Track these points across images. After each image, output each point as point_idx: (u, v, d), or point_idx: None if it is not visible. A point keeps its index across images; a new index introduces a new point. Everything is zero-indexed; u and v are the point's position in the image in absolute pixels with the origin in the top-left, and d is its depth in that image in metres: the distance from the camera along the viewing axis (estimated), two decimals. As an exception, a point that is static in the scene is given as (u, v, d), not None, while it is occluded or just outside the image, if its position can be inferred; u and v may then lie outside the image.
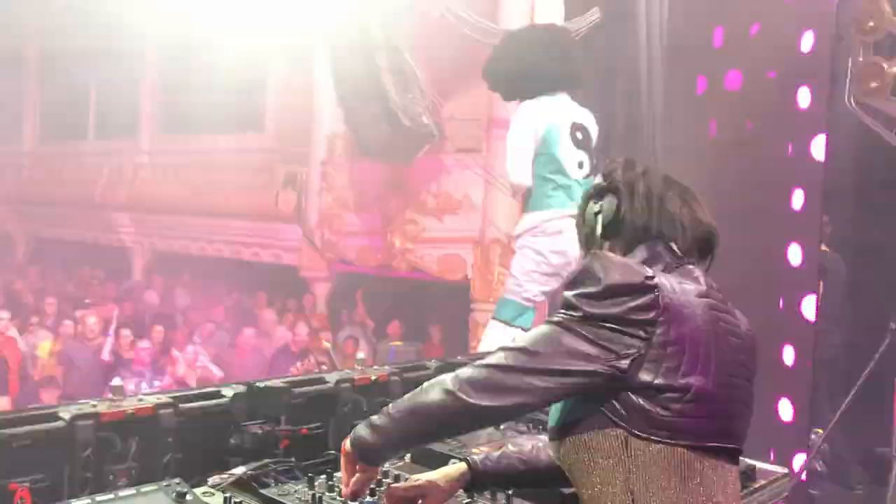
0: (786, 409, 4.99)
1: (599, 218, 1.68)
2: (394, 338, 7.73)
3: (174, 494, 1.67)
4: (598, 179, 1.72)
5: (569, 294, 1.52)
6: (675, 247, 1.64)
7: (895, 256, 4.85)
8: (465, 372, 1.52)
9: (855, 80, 4.28)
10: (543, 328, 1.52)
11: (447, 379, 1.53)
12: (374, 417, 1.62)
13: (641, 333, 1.46)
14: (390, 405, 1.62)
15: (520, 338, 1.54)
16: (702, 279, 1.61)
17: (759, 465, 2.63)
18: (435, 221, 8.26)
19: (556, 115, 4.85)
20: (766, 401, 4.93)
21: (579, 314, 1.49)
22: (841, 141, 4.65)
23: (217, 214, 10.43)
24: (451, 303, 7.91)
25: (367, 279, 8.74)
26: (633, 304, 1.47)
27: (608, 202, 1.67)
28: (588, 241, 1.72)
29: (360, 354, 2.49)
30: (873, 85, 4.25)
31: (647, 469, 1.47)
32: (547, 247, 4.77)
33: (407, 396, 1.61)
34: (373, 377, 2.46)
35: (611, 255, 1.57)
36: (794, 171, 4.65)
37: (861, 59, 4.23)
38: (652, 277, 1.50)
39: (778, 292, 4.71)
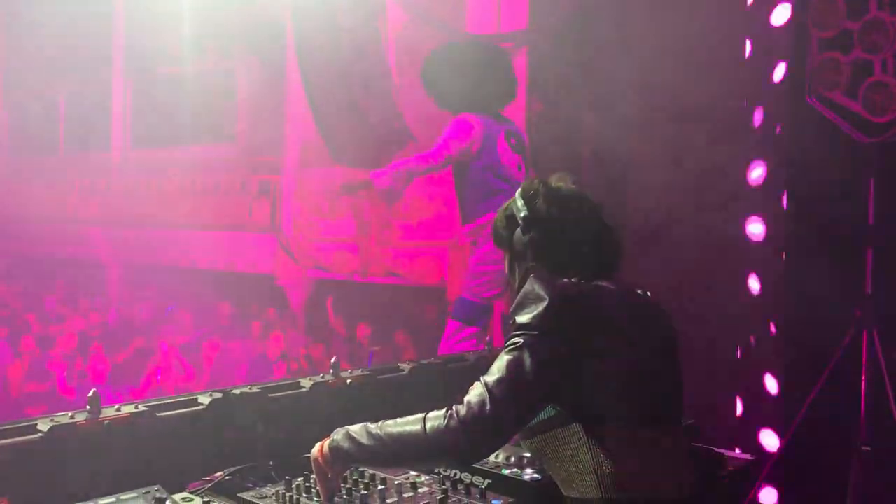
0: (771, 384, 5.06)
1: (529, 249, 1.81)
2: (371, 343, 7.77)
3: (153, 501, 1.70)
4: (521, 203, 1.82)
5: (521, 318, 1.66)
6: (590, 267, 1.79)
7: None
8: (458, 412, 1.62)
9: (813, 75, 4.40)
10: (510, 356, 1.64)
11: (441, 419, 1.63)
12: (359, 433, 1.75)
13: (584, 337, 1.64)
14: (378, 426, 1.74)
15: (493, 372, 1.65)
16: (612, 281, 1.79)
17: (727, 452, 2.71)
18: (409, 225, 8.30)
19: (492, 125, 5.05)
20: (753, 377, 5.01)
21: (534, 333, 1.63)
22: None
23: (190, 226, 10.40)
24: (427, 305, 7.95)
25: (343, 285, 8.76)
26: (575, 314, 1.65)
27: (535, 237, 1.79)
28: (517, 261, 1.85)
29: (334, 359, 2.52)
30: (831, 79, 4.37)
31: (604, 448, 1.64)
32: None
33: (397, 423, 1.71)
34: (348, 381, 2.51)
35: (544, 275, 1.71)
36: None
37: (818, 54, 4.34)
38: (584, 289, 1.70)
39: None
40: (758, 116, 4.91)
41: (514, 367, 1.62)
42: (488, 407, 1.59)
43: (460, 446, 1.61)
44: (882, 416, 4.34)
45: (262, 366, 7.21)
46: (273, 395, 2.30)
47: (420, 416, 1.68)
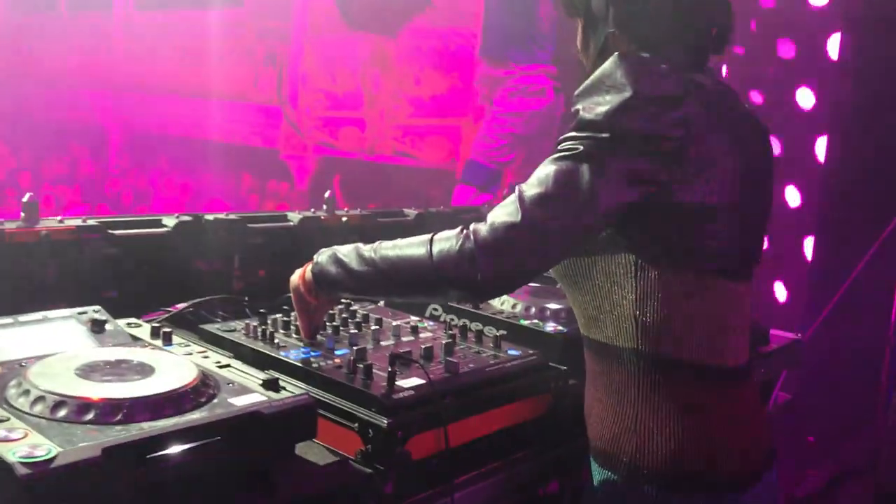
0: (780, 292, 4.78)
1: (611, 7, 1.34)
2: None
3: (90, 323, 1.37)
4: None
5: (588, 108, 1.21)
6: (689, 40, 1.34)
7: None
8: (477, 233, 1.21)
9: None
10: (561, 165, 1.20)
11: (454, 240, 1.23)
12: (348, 256, 1.37)
13: (672, 153, 1.20)
14: (373, 248, 1.35)
15: (533, 183, 1.22)
16: (714, 75, 1.36)
17: (773, 331, 2.39)
18: (421, 99, 7.84)
19: None
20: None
21: (603, 135, 1.19)
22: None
23: (193, 94, 9.96)
24: (436, 187, 7.58)
25: (349, 163, 8.38)
26: (665, 118, 1.20)
27: None
28: (591, 31, 1.38)
29: (328, 193, 2.16)
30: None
31: (656, 293, 1.26)
32: (526, 107, 4.42)
33: (397, 245, 1.33)
34: (343, 219, 2.16)
35: (635, 57, 1.25)
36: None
37: None
38: (685, 85, 1.23)
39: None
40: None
41: (564, 180, 1.19)
42: (518, 229, 1.19)
43: (473, 275, 1.20)
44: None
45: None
46: (254, 225, 1.95)
47: (426, 237, 1.29)
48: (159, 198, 8.43)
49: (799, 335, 2.49)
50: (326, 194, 2.16)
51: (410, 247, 1.30)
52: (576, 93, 1.25)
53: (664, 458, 1.28)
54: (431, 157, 7.79)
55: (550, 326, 1.70)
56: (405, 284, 1.33)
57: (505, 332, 1.68)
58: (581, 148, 1.19)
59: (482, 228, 1.22)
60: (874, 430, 2.76)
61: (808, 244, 4.57)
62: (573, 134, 1.22)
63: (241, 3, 9.69)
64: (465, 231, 1.24)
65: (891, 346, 3.69)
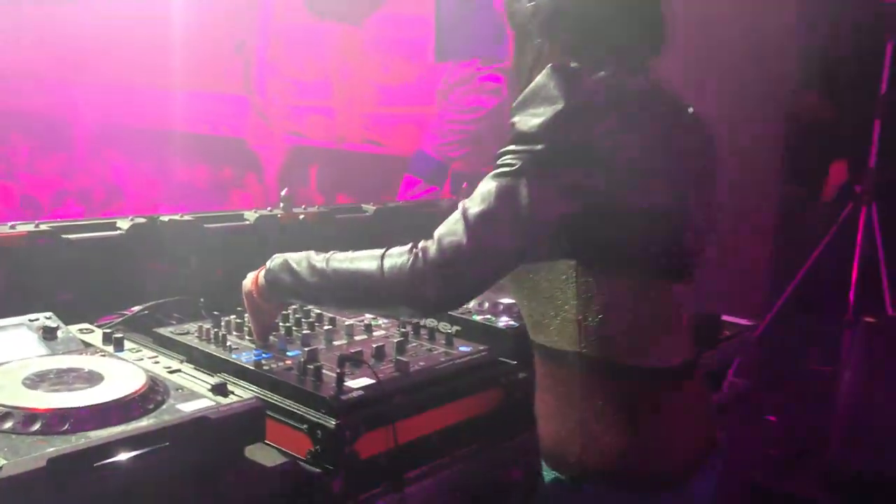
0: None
1: (539, 22, 1.36)
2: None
3: (41, 330, 1.38)
4: None
5: (524, 120, 1.23)
6: (620, 46, 1.35)
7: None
8: (427, 251, 1.24)
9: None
10: (501, 182, 1.22)
11: (405, 257, 1.26)
12: (300, 265, 1.39)
13: (606, 161, 1.23)
14: (325, 259, 1.37)
15: (476, 200, 1.24)
16: (648, 77, 1.38)
17: (726, 317, 2.44)
18: (390, 88, 7.83)
19: None
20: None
21: (539, 147, 1.21)
22: None
23: (158, 85, 9.84)
24: (403, 175, 7.59)
25: (318, 152, 8.36)
26: (598, 128, 1.22)
27: (545, 3, 1.35)
28: (526, 43, 1.40)
29: (285, 191, 2.17)
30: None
31: (597, 297, 1.30)
32: (480, 104, 4.46)
33: (350, 258, 1.34)
34: (301, 216, 2.17)
35: (568, 68, 1.27)
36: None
37: None
38: (615, 95, 1.26)
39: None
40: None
41: (505, 197, 1.21)
42: (465, 248, 1.21)
43: (424, 294, 1.23)
44: (874, 290, 4.16)
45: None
46: (210, 225, 1.96)
47: (378, 252, 1.31)
48: (128, 192, 8.35)
49: (751, 322, 2.55)
50: (283, 192, 2.17)
51: (362, 260, 1.31)
52: (512, 105, 1.27)
53: (609, 458, 1.31)
54: (400, 145, 7.80)
55: (503, 322, 1.73)
56: (355, 299, 1.35)
57: (459, 328, 1.71)
58: (519, 163, 1.21)
59: (431, 248, 1.24)
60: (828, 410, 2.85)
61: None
62: (511, 147, 1.24)
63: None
64: (414, 250, 1.26)
65: (850, 329, 3.78)
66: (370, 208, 2.42)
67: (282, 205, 2.17)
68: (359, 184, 7.87)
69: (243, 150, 9.03)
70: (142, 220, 1.85)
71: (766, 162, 4.82)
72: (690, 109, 1.45)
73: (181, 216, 1.93)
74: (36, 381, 1.16)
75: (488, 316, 1.77)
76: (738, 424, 3.68)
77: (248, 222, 2.05)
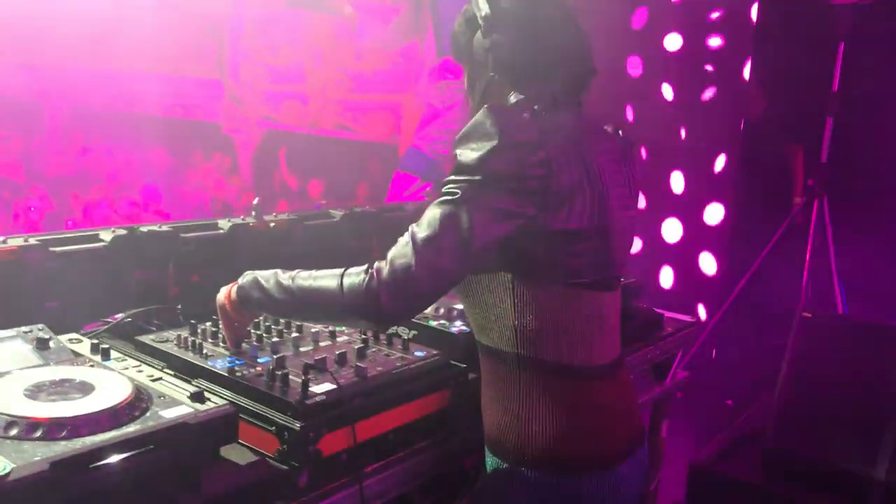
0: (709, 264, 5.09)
1: (490, 56, 1.55)
2: (316, 197, 7.58)
3: (35, 341, 1.54)
4: (483, 2, 1.55)
5: (464, 153, 1.42)
6: (556, 83, 1.55)
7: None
8: (380, 272, 1.40)
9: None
10: (444, 209, 1.40)
11: (362, 276, 1.42)
12: (269, 283, 1.56)
13: (537, 189, 1.41)
14: (291, 277, 1.54)
15: (423, 226, 1.41)
16: (577, 109, 1.59)
17: (666, 313, 2.64)
18: (363, 75, 7.94)
19: None
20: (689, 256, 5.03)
21: (476, 178, 1.40)
22: None
23: (129, 66, 9.83)
24: (377, 163, 7.73)
25: (291, 137, 8.46)
26: (528, 161, 1.41)
27: (498, 39, 1.54)
28: (476, 75, 1.60)
29: (256, 200, 2.32)
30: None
31: (531, 306, 1.49)
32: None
33: (313, 276, 1.51)
34: (271, 224, 2.33)
35: (502, 108, 1.46)
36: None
37: None
38: (544, 130, 1.45)
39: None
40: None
41: (447, 222, 1.39)
42: (413, 269, 1.38)
43: (378, 310, 1.41)
44: (824, 283, 4.38)
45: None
46: (186, 234, 2.11)
47: (338, 271, 1.48)
48: (100, 176, 8.39)
49: (693, 319, 2.74)
50: (255, 201, 2.33)
51: (324, 279, 1.48)
52: (455, 138, 1.45)
53: (542, 445, 1.51)
54: (373, 131, 7.93)
55: (456, 327, 1.91)
56: (317, 313, 1.54)
57: (416, 333, 1.89)
58: (460, 192, 1.40)
59: (384, 268, 1.41)
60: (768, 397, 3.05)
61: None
62: (453, 177, 1.42)
63: (180, -27, 9.60)
64: (370, 270, 1.42)
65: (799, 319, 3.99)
66: (337, 214, 2.58)
67: (253, 213, 2.32)
68: (332, 168, 7.99)
69: (218, 133, 9.10)
70: (123, 231, 2.00)
71: (722, 160, 5.01)
72: (611, 129, 1.65)
73: (160, 226, 2.08)
74: (35, 391, 1.31)
75: (443, 321, 1.95)
76: (685, 411, 3.91)
77: (221, 231, 2.21)
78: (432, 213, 1.41)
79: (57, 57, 10.64)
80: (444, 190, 1.43)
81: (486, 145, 1.39)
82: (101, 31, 10.18)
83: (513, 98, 1.54)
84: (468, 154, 1.41)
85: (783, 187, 4.81)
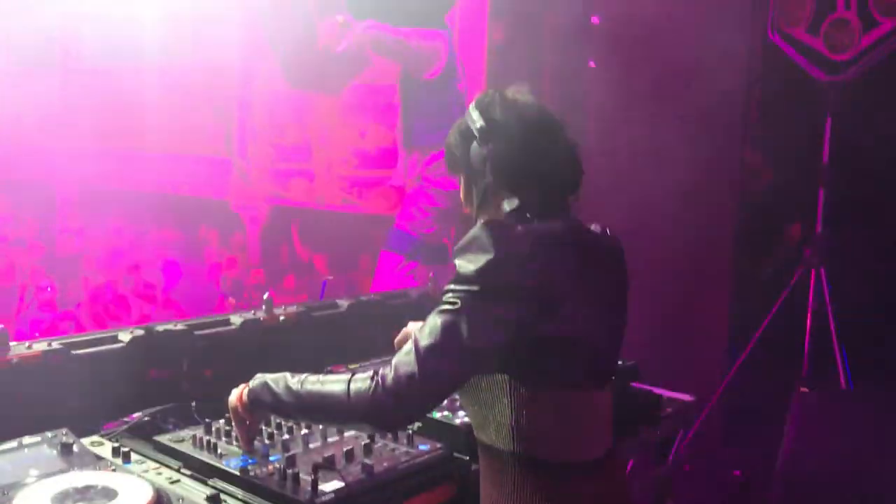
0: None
1: (488, 164, 1.65)
2: (324, 272, 7.69)
3: (59, 446, 1.62)
4: (476, 115, 1.67)
5: (463, 265, 1.52)
6: (549, 186, 1.65)
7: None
8: (385, 379, 1.50)
9: (777, 9, 4.34)
10: (446, 318, 1.50)
11: (368, 383, 1.51)
12: (278, 386, 1.64)
13: (530, 297, 1.51)
14: (300, 381, 1.63)
15: (425, 334, 1.51)
16: (567, 217, 1.67)
17: (665, 393, 2.70)
18: (367, 152, 8.14)
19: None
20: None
21: (475, 288, 1.50)
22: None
23: (140, 147, 10.10)
24: (381, 235, 7.86)
25: (300, 212, 8.63)
26: (522, 272, 1.51)
27: (494, 149, 1.64)
28: (474, 183, 1.69)
29: (266, 295, 2.43)
30: (795, 14, 4.31)
31: (526, 406, 1.56)
32: (450, 185, 4.78)
33: (321, 381, 1.60)
34: (281, 318, 2.43)
35: (497, 222, 1.57)
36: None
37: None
38: (536, 242, 1.54)
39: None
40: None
41: (448, 332, 1.48)
42: (417, 377, 1.48)
43: (384, 416, 1.51)
44: (825, 354, 4.42)
45: (213, 296, 7.11)
46: (200, 332, 2.22)
47: (345, 377, 1.57)
48: (110, 256, 8.56)
49: (692, 398, 2.81)
50: (265, 296, 2.43)
51: (332, 384, 1.57)
52: (455, 248, 1.56)
53: None
54: (377, 206, 8.09)
55: (459, 419, 1.99)
56: (325, 417, 1.64)
57: (420, 425, 1.97)
58: (459, 303, 1.50)
59: (389, 375, 1.50)
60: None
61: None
62: (453, 287, 1.52)
63: (189, 57, 9.92)
64: (375, 377, 1.52)
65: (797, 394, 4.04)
66: (344, 304, 2.68)
67: (263, 308, 2.42)
68: (337, 242, 8.13)
69: (227, 210, 9.29)
70: (140, 331, 2.10)
71: (718, 230, 5.12)
72: (599, 229, 1.74)
73: (175, 325, 2.19)
74: (61, 499, 1.40)
75: (446, 413, 2.03)
76: (691, 485, 3.93)
77: (233, 327, 2.31)
78: (434, 322, 1.51)
79: (67, 137, 10.93)
80: (444, 299, 1.53)
81: (483, 258, 1.50)
82: (112, 114, 10.48)
83: (507, 206, 1.64)
84: (467, 266, 1.51)
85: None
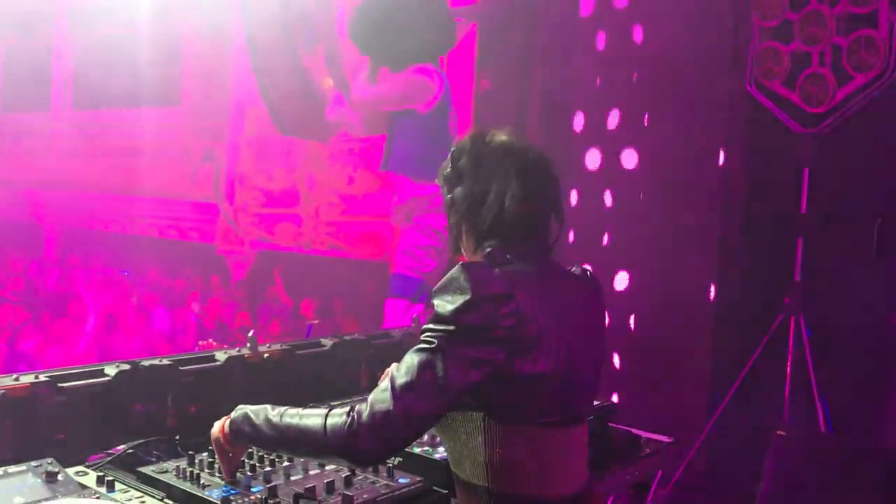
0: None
1: (453, 210, 1.72)
2: (310, 316, 7.70)
3: (44, 475, 1.65)
4: (448, 160, 1.74)
5: (441, 305, 1.56)
6: (520, 231, 1.68)
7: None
8: (361, 415, 1.53)
9: (755, 64, 4.48)
10: (422, 357, 1.54)
11: (344, 418, 1.55)
12: (258, 419, 1.68)
13: (505, 338, 1.54)
14: (279, 414, 1.66)
15: (402, 372, 1.55)
16: (546, 259, 1.71)
17: (644, 434, 2.74)
18: (355, 197, 8.23)
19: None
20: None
21: (451, 328, 1.53)
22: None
23: (130, 191, 10.17)
24: (369, 280, 7.90)
25: (286, 257, 8.68)
26: (498, 313, 1.54)
27: (458, 193, 1.70)
28: (451, 223, 1.75)
29: (251, 333, 2.47)
30: (772, 69, 4.45)
31: (501, 443, 1.59)
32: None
33: (300, 414, 1.63)
34: (265, 355, 2.46)
35: (473, 264, 1.61)
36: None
37: (760, 43, 4.42)
38: (512, 284, 1.57)
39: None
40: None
41: (424, 371, 1.51)
42: (392, 413, 1.51)
43: (357, 451, 1.54)
44: (805, 400, 4.47)
45: (199, 336, 7.10)
46: (185, 367, 2.25)
47: (323, 411, 1.61)
48: (100, 296, 8.55)
49: (670, 438, 2.84)
50: (250, 333, 2.47)
51: (309, 418, 1.61)
52: (433, 289, 1.61)
53: None
54: (364, 251, 8.14)
55: (439, 454, 2.02)
56: (302, 450, 1.66)
57: (401, 459, 2.00)
58: (435, 342, 1.54)
59: (364, 412, 1.54)
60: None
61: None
62: (430, 326, 1.56)
63: (178, 102, 10.05)
64: (351, 414, 1.55)
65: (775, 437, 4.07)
66: (328, 342, 2.72)
67: (248, 345, 2.46)
68: (324, 286, 8.17)
69: (212, 254, 9.33)
70: (126, 365, 2.13)
71: (699, 276, 5.19)
72: (579, 271, 1.79)
73: (160, 360, 2.22)
74: (46, 526, 1.43)
75: (427, 448, 2.06)
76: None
77: (218, 363, 2.34)
78: (410, 360, 1.55)
79: (52, 181, 10.97)
80: (422, 338, 1.57)
81: (460, 299, 1.54)
82: (103, 157, 10.55)
83: (485, 247, 1.68)
84: (444, 306, 1.55)
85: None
